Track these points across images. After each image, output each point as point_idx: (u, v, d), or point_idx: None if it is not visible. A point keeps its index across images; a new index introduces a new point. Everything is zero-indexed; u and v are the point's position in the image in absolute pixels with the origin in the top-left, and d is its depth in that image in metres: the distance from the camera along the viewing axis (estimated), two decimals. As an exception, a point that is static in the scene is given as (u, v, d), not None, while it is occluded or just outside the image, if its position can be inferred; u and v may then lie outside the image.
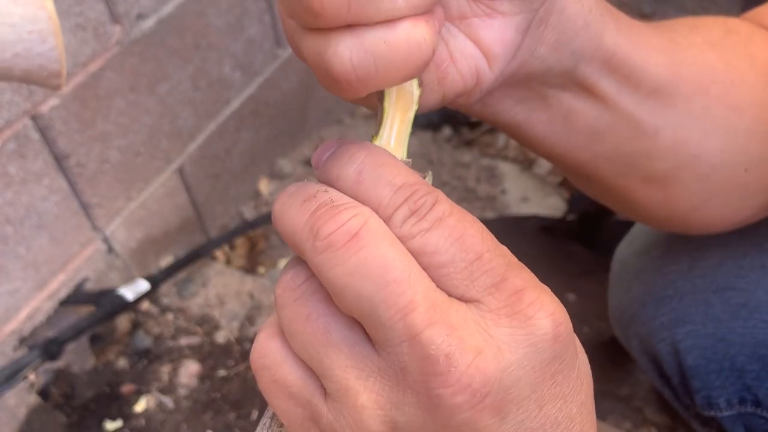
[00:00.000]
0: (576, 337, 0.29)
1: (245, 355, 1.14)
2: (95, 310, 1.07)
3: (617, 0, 1.52)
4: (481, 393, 0.26)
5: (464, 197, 1.40)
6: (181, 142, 1.18)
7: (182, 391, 1.11)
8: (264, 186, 1.44)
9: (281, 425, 0.33)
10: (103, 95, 1.00)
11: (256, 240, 1.35)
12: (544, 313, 0.27)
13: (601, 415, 1.04)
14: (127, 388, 1.11)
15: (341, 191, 0.29)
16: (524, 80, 0.38)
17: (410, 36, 0.28)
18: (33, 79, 0.22)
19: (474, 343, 0.26)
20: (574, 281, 1.19)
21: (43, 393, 1.06)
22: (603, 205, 0.56)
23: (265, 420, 0.33)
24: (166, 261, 1.23)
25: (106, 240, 1.09)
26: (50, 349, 1.01)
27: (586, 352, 0.31)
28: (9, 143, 0.89)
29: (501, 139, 1.49)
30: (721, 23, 0.50)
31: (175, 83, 1.12)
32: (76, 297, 1.07)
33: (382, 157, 0.29)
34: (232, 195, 1.37)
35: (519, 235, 1.27)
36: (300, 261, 0.30)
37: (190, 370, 1.12)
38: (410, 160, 0.32)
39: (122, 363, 1.14)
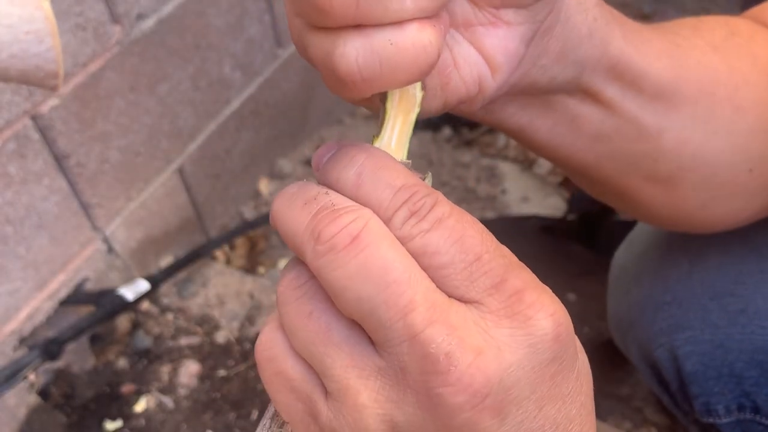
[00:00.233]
0: (576, 337, 0.29)
1: (245, 355, 1.14)
2: (95, 310, 1.07)
3: (618, 0, 1.52)
4: (481, 393, 0.26)
5: (464, 197, 1.40)
6: (181, 142, 1.18)
7: (182, 391, 1.11)
8: (264, 186, 1.44)
9: (281, 426, 0.33)
10: (103, 95, 1.00)
11: (256, 240, 1.35)
12: (544, 313, 0.27)
13: (601, 415, 1.03)
14: (127, 388, 1.11)
15: (341, 193, 0.29)
16: (527, 88, 0.38)
17: (417, 38, 0.28)
18: (29, 80, 0.22)
19: (474, 343, 0.26)
20: (575, 281, 1.19)
21: (43, 393, 1.05)
22: (603, 205, 0.56)
23: (265, 421, 0.33)
24: (166, 261, 1.23)
25: (106, 240, 1.09)
26: (50, 349, 1.01)
27: (586, 352, 0.31)
28: (9, 143, 0.89)
29: (501, 139, 1.49)
30: (723, 24, 0.50)
31: (175, 83, 1.12)
32: (76, 297, 1.06)
33: (382, 159, 0.29)
34: (232, 195, 1.37)
35: (519, 235, 1.27)
36: (302, 260, 0.30)
37: (190, 370, 1.12)
38: (410, 161, 0.32)
39: (122, 363, 1.14)
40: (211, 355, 1.15)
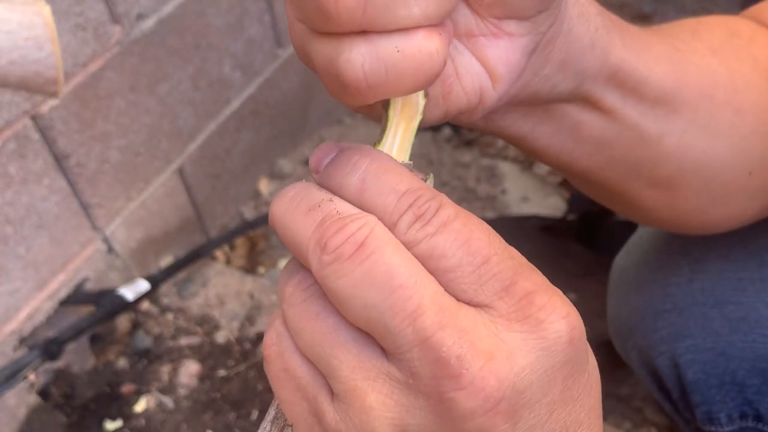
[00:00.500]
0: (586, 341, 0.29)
1: (245, 355, 1.14)
2: (95, 310, 1.07)
3: (618, 0, 1.52)
4: (495, 398, 0.25)
5: (464, 197, 1.40)
6: (181, 142, 1.18)
7: (182, 391, 1.11)
8: (264, 186, 1.44)
9: (282, 429, 0.33)
10: (103, 95, 1.00)
11: (256, 240, 1.35)
12: (557, 316, 0.26)
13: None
14: (127, 388, 1.11)
15: (345, 199, 0.29)
16: (528, 98, 0.38)
17: (424, 46, 0.27)
18: (29, 86, 0.21)
19: (485, 346, 0.26)
20: (575, 281, 1.19)
21: (43, 393, 1.06)
22: (603, 205, 0.55)
23: (266, 424, 0.33)
24: (166, 261, 1.23)
25: (106, 240, 1.09)
26: (50, 349, 1.01)
27: (587, 352, 0.30)
28: (9, 143, 0.89)
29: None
30: (723, 25, 0.50)
31: (175, 83, 1.12)
32: (76, 297, 1.06)
33: (385, 163, 0.29)
34: (232, 195, 1.37)
35: (519, 235, 1.27)
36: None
37: (190, 370, 1.12)
38: (411, 162, 0.32)
39: (122, 363, 1.14)
40: (211, 355, 1.15)
